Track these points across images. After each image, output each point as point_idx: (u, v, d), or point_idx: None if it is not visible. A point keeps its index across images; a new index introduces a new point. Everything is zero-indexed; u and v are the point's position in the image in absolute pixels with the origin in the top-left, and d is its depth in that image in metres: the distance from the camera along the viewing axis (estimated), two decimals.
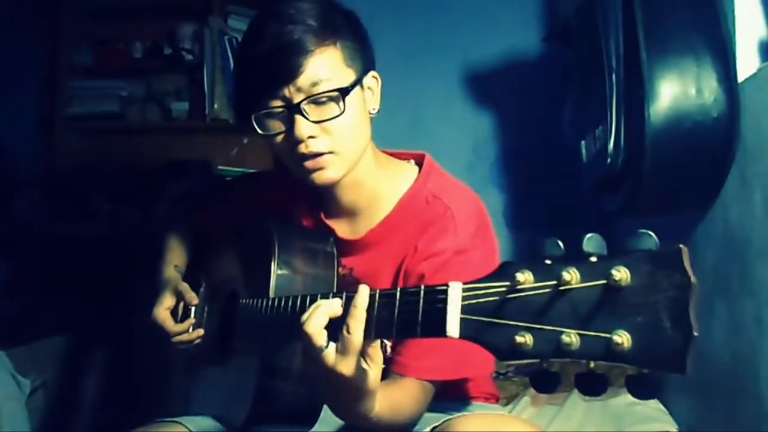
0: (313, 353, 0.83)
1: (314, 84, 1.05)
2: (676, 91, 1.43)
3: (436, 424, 1.11)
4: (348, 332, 0.80)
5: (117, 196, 2.69)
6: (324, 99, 1.05)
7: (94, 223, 2.63)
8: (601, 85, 1.58)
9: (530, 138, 2.46)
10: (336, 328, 0.83)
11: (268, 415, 1.08)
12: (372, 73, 1.14)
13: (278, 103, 1.06)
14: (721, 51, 1.44)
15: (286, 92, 1.05)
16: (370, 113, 1.13)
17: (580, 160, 1.78)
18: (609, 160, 1.55)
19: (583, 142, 1.76)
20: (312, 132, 1.05)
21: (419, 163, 1.21)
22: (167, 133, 2.85)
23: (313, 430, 1.12)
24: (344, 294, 0.86)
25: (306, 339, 0.83)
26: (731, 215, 1.46)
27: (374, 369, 0.84)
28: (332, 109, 1.06)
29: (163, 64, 2.79)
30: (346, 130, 1.07)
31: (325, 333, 0.83)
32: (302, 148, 1.06)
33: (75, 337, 2.20)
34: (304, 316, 0.84)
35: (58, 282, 2.24)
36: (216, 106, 2.64)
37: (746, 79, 1.43)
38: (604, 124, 1.58)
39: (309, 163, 1.07)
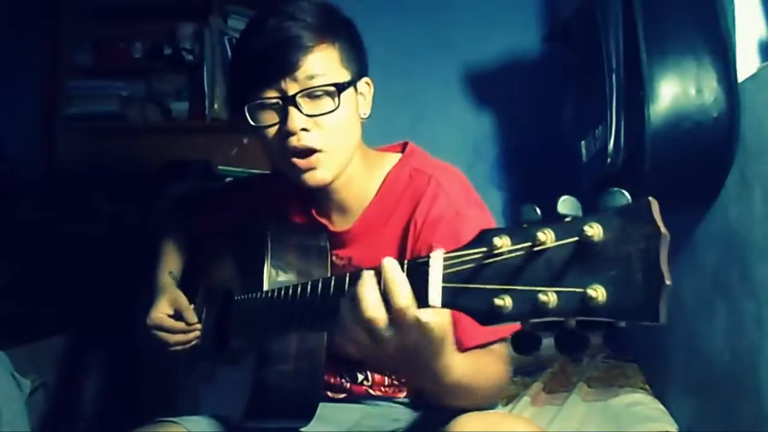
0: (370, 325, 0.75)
1: (311, 77, 1.06)
2: (676, 91, 1.43)
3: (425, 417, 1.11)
4: (395, 299, 0.74)
5: (117, 196, 2.69)
6: (319, 93, 1.06)
7: (94, 223, 2.62)
8: (601, 85, 1.58)
9: (530, 138, 2.46)
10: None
11: (266, 409, 1.09)
12: (365, 79, 1.15)
13: (273, 93, 1.07)
14: (721, 51, 1.44)
15: (282, 84, 1.06)
16: (361, 118, 1.14)
17: (580, 160, 1.78)
18: (609, 160, 1.55)
19: (583, 142, 1.76)
20: (305, 125, 1.06)
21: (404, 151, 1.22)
22: (167, 133, 2.85)
23: (316, 429, 1.12)
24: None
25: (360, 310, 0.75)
26: (731, 215, 1.46)
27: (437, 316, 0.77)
28: (327, 103, 1.07)
29: (163, 64, 2.79)
30: (338, 127, 1.08)
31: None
32: (294, 141, 1.06)
33: (75, 337, 2.20)
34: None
35: (58, 282, 2.24)
36: (216, 106, 2.64)
37: (746, 79, 1.43)
38: (604, 124, 1.58)
39: (301, 162, 1.08)
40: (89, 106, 2.80)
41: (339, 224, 1.20)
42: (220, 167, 2.68)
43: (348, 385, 1.22)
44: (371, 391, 1.21)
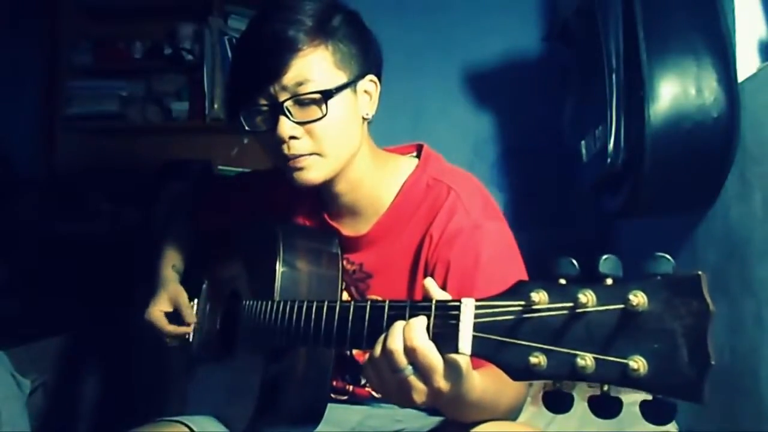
0: (400, 375, 0.77)
1: (299, 84, 1.04)
2: (676, 91, 1.43)
3: (434, 425, 1.10)
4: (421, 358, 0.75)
5: (117, 196, 2.69)
6: (307, 100, 1.05)
7: (94, 223, 2.63)
8: (601, 85, 1.58)
9: (530, 138, 2.46)
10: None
11: (273, 419, 1.08)
12: (370, 77, 1.12)
13: (264, 101, 1.06)
14: (721, 51, 1.44)
15: (272, 90, 1.05)
16: (363, 118, 1.12)
17: (580, 160, 1.78)
18: (609, 160, 1.55)
19: (583, 142, 1.76)
20: (294, 132, 1.05)
21: (419, 155, 1.21)
22: (167, 133, 2.84)
23: (318, 430, 1.12)
24: (353, 302, 0.86)
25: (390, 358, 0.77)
26: (731, 215, 1.46)
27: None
28: (315, 110, 1.05)
29: (163, 64, 2.79)
30: (329, 133, 1.06)
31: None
32: (284, 149, 1.06)
33: (75, 337, 2.20)
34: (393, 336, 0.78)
35: (58, 282, 2.24)
36: (216, 106, 2.64)
37: (746, 79, 1.43)
38: (604, 124, 1.58)
39: (291, 163, 1.07)
40: (89, 106, 2.79)
41: (351, 228, 1.18)
42: (220, 167, 2.68)
43: (351, 387, 1.22)
44: (374, 393, 1.20)
